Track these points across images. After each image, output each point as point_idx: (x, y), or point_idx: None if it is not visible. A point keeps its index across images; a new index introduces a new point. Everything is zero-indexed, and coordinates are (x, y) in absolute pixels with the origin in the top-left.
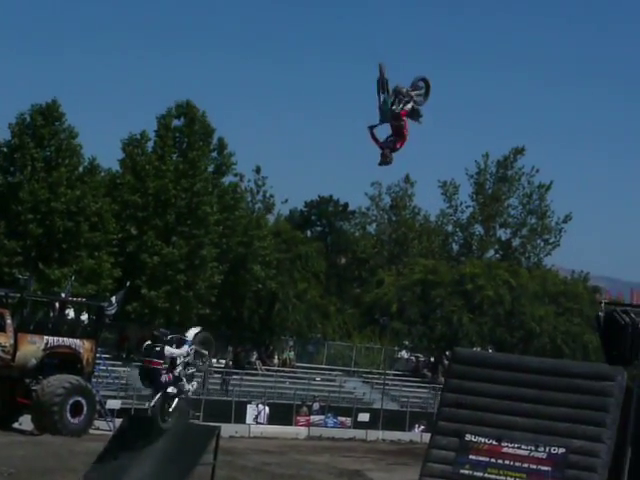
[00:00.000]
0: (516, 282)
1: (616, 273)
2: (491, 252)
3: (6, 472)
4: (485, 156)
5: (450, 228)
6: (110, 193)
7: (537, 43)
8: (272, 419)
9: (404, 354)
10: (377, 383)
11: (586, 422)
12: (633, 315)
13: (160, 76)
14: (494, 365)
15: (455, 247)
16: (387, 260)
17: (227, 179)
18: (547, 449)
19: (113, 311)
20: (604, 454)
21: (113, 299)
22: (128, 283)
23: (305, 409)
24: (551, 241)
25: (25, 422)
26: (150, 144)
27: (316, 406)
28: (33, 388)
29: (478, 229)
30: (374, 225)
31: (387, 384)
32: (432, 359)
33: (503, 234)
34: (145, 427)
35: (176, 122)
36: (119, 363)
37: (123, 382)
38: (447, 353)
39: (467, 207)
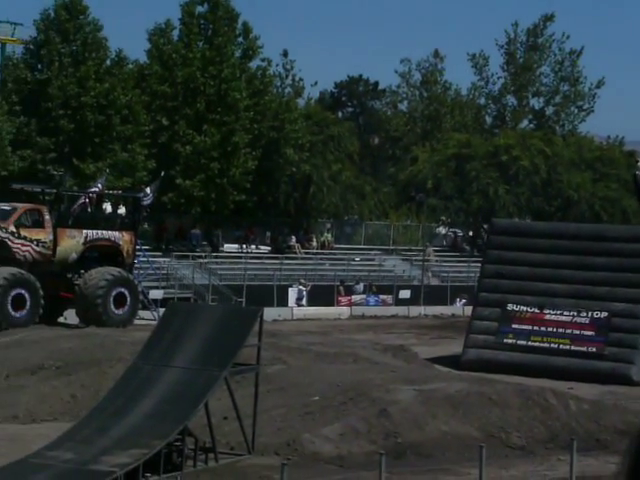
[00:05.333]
0: (551, 151)
1: None
2: (525, 122)
3: (54, 365)
4: (514, 25)
5: (482, 101)
6: (139, 84)
7: None
8: (314, 301)
9: (442, 230)
10: (416, 260)
11: (626, 284)
12: None
13: None
14: (532, 234)
15: (488, 119)
16: (420, 137)
17: (254, 63)
18: (589, 314)
19: (149, 201)
20: None
21: (148, 190)
22: (163, 173)
23: (342, 289)
24: (585, 107)
25: (70, 316)
26: (176, 32)
27: (360, 287)
28: (75, 282)
29: (511, 100)
30: (405, 102)
31: (427, 260)
32: (470, 233)
33: (536, 103)
34: (189, 314)
35: (200, 9)
36: (159, 254)
37: (164, 272)
38: (485, 226)
39: (499, 78)
